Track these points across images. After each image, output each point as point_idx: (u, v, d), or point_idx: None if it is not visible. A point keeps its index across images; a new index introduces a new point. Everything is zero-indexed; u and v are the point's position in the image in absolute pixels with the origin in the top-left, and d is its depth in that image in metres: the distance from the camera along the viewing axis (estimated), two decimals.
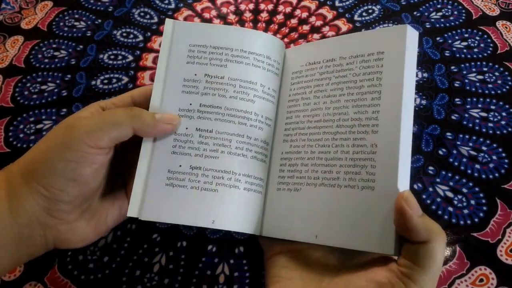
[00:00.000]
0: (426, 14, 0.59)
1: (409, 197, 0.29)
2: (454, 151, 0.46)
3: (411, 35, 0.33)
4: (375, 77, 0.33)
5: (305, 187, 0.34)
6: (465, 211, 0.42)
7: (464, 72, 0.52)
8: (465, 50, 0.54)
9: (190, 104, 0.36)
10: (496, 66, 0.52)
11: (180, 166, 0.35)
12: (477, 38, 0.55)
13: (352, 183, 0.31)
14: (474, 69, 0.52)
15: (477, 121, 0.48)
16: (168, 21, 0.38)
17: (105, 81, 0.53)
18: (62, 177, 0.30)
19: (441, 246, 0.28)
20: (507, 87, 0.50)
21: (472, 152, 0.46)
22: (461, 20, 0.58)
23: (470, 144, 0.46)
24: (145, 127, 0.33)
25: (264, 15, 0.60)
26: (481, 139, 0.47)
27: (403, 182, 0.30)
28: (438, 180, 0.44)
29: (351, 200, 0.31)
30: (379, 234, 0.29)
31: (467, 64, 0.53)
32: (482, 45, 0.55)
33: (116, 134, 0.32)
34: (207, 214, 0.33)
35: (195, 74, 0.36)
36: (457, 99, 0.50)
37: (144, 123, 0.33)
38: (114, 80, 0.53)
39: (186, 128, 0.35)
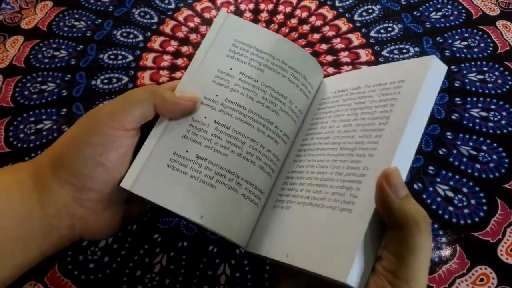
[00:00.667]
0: (426, 14, 0.59)
1: (391, 174, 0.26)
2: (454, 151, 0.46)
3: (437, 66, 0.32)
4: (388, 104, 0.32)
5: (295, 205, 0.32)
6: (466, 210, 0.42)
7: (464, 71, 0.52)
8: (465, 50, 0.54)
9: (217, 95, 0.35)
10: (496, 65, 0.52)
11: (187, 152, 0.33)
12: (477, 38, 0.56)
13: (334, 204, 0.30)
14: (474, 69, 0.52)
15: (477, 120, 0.48)
16: (221, 12, 0.38)
17: (105, 81, 0.53)
18: (90, 162, 0.30)
19: (422, 234, 0.25)
20: (507, 86, 0.50)
21: (472, 152, 0.46)
22: (461, 20, 0.58)
23: (470, 143, 0.46)
24: (166, 103, 0.33)
25: (264, 15, 0.60)
26: (481, 139, 0.47)
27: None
28: (438, 179, 0.44)
29: (328, 221, 0.29)
30: (341, 259, 0.26)
31: (467, 64, 0.53)
32: (482, 45, 0.55)
33: (139, 112, 0.32)
34: (198, 208, 0.32)
35: (231, 69, 0.36)
36: (457, 99, 0.50)
37: (164, 98, 0.33)
38: (114, 80, 0.53)
39: (205, 117, 0.34)
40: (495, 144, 0.46)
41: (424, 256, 0.25)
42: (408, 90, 0.31)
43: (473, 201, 0.43)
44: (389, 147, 0.29)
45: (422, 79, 0.31)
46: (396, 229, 0.26)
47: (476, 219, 0.42)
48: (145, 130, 0.34)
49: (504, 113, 0.48)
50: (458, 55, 0.54)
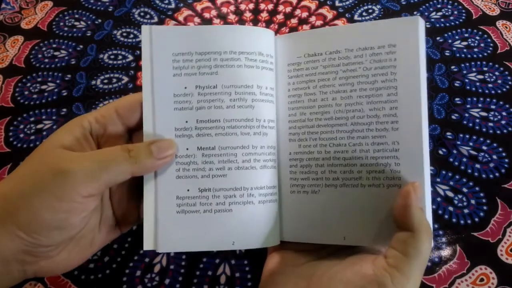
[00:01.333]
0: (426, 14, 0.59)
1: (419, 187, 0.30)
2: (454, 151, 0.46)
3: (422, 26, 0.32)
4: (389, 72, 0.32)
5: (324, 188, 0.33)
6: (466, 210, 0.42)
7: (464, 71, 0.52)
8: (465, 50, 0.54)
9: (186, 121, 0.33)
10: (496, 65, 0.52)
11: (188, 190, 0.32)
12: (477, 38, 0.56)
13: (376, 182, 0.31)
14: (474, 69, 0.52)
15: (477, 120, 0.48)
16: (144, 28, 0.34)
17: (105, 81, 0.53)
18: (49, 227, 0.28)
19: (428, 239, 0.29)
20: (507, 86, 0.50)
21: (472, 152, 0.46)
22: (461, 20, 0.58)
23: (470, 143, 0.46)
24: (145, 170, 0.31)
25: (264, 15, 0.60)
26: (481, 139, 0.47)
27: (427, 177, 0.31)
28: (438, 179, 0.44)
29: (378, 199, 0.31)
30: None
31: (467, 64, 0.53)
32: (482, 44, 0.55)
33: (114, 180, 0.29)
34: (226, 237, 0.32)
35: (185, 87, 0.33)
36: (457, 99, 0.50)
37: (143, 166, 0.30)
38: (114, 80, 0.53)
39: (187, 149, 0.32)
40: (495, 144, 0.46)
41: (424, 259, 0.29)
42: (406, 55, 0.32)
43: (473, 201, 0.43)
44: (413, 120, 0.31)
45: (417, 43, 0.31)
46: (409, 231, 0.29)
47: (476, 219, 0.42)
48: None
49: (504, 113, 0.48)
50: (458, 55, 0.54)
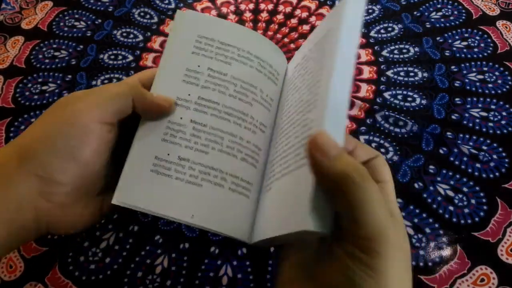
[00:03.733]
0: (426, 14, 0.59)
1: (316, 138, 0.26)
2: (455, 150, 0.46)
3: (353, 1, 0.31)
4: (321, 55, 0.31)
5: (274, 183, 0.33)
6: (466, 210, 0.42)
7: (464, 71, 0.52)
8: (465, 50, 0.54)
9: (189, 94, 0.35)
10: (496, 65, 0.52)
11: (168, 155, 0.33)
12: (477, 38, 0.56)
13: (295, 166, 0.30)
14: (474, 69, 0.52)
15: (477, 120, 0.48)
16: (178, 11, 0.37)
17: (106, 81, 0.53)
18: (63, 155, 0.29)
19: (358, 186, 0.24)
20: (507, 86, 0.51)
21: (473, 151, 0.46)
22: (461, 20, 0.58)
23: (471, 143, 0.46)
24: (144, 99, 0.32)
25: (264, 15, 0.60)
26: (481, 139, 0.47)
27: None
28: (438, 179, 0.44)
29: (293, 184, 0.29)
30: (302, 210, 0.26)
31: (467, 64, 0.53)
32: (482, 45, 0.55)
33: (118, 105, 0.31)
34: (187, 208, 0.32)
35: (199, 66, 0.36)
36: (457, 99, 0.50)
37: (143, 94, 0.32)
38: (115, 80, 0.53)
39: (181, 118, 0.34)
40: (495, 144, 0.46)
41: (371, 206, 0.24)
42: (331, 34, 0.30)
43: (473, 201, 0.43)
44: (323, 94, 0.28)
45: (340, 16, 0.30)
46: (335, 190, 0.25)
47: (477, 219, 0.42)
48: (122, 133, 0.33)
49: (504, 113, 0.48)
50: (458, 55, 0.54)
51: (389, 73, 0.53)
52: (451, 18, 0.58)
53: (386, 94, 0.51)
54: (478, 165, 0.45)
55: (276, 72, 0.38)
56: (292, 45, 0.57)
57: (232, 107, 0.35)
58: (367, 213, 0.24)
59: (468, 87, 0.51)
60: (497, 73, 0.52)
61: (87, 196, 0.32)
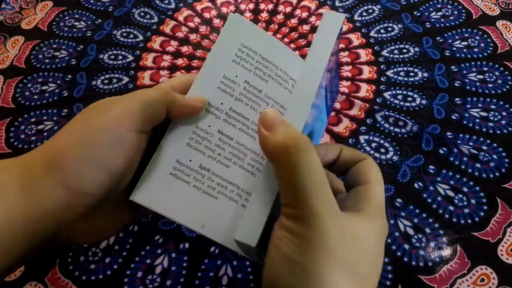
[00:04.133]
0: (426, 14, 0.59)
1: (262, 114, 0.27)
2: (455, 150, 0.46)
3: (330, 17, 0.34)
4: None
5: None
6: (466, 210, 0.42)
7: (464, 71, 0.52)
8: (465, 50, 0.54)
9: (221, 103, 0.34)
10: (496, 65, 0.52)
11: (190, 161, 0.33)
12: (477, 38, 0.56)
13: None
14: (474, 69, 0.52)
15: (477, 120, 0.48)
16: (232, 15, 0.35)
17: (106, 81, 0.53)
18: (94, 165, 0.27)
19: (293, 156, 0.24)
20: (507, 86, 0.50)
21: (473, 151, 0.46)
22: (461, 20, 0.58)
23: (471, 143, 0.46)
24: (178, 105, 0.31)
25: (264, 15, 0.60)
26: (481, 139, 0.47)
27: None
28: (438, 179, 0.44)
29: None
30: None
31: (467, 64, 0.53)
32: (482, 45, 0.55)
33: (153, 112, 0.30)
34: (199, 218, 0.32)
35: (236, 76, 0.34)
36: (457, 99, 0.50)
37: (177, 99, 0.31)
38: (115, 80, 0.53)
39: (209, 126, 0.33)
40: (495, 144, 0.46)
41: (305, 176, 0.24)
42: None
43: (473, 201, 0.43)
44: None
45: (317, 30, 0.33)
46: (274, 161, 0.26)
47: (477, 219, 0.42)
48: (153, 136, 0.33)
49: (504, 113, 0.48)
50: (458, 55, 0.54)
51: (389, 73, 0.53)
52: (451, 18, 0.58)
53: (386, 94, 0.51)
54: (478, 165, 0.45)
55: None
56: (292, 45, 0.57)
57: None
58: (294, 181, 0.24)
59: (468, 87, 0.51)
60: (497, 73, 0.52)
61: (112, 207, 0.32)
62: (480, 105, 0.49)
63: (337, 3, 0.61)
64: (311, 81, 0.30)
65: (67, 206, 0.28)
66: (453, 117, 0.49)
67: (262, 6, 0.62)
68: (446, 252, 0.40)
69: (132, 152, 0.29)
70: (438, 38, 0.56)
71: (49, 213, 0.27)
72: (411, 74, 0.53)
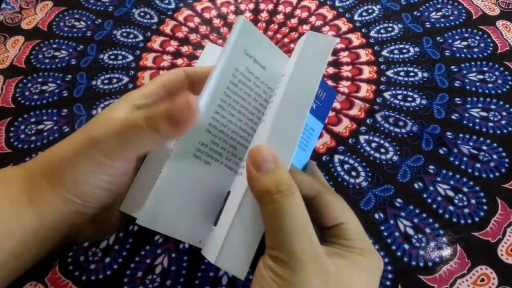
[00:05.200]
0: (426, 14, 0.59)
1: (251, 152, 0.26)
2: (455, 150, 0.46)
3: (314, 38, 0.31)
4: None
5: None
6: (466, 210, 0.42)
7: (464, 71, 0.52)
8: (465, 50, 0.54)
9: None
10: (496, 65, 0.52)
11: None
12: (477, 38, 0.56)
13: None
14: (474, 69, 0.52)
15: (477, 120, 0.48)
16: (240, 17, 0.33)
17: (106, 81, 0.53)
18: (95, 188, 0.29)
19: (274, 201, 0.25)
20: (507, 86, 0.50)
21: (473, 151, 0.46)
22: (461, 20, 0.58)
23: (471, 143, 0.46)
24: (166, 138, 0.30)
25: (264, 15, 0.60)
26: (481, 139, 0.47)
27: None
28: (438, 179, 0.44)
29: None
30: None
31: (467, 64, 0.53)
32: (482, 44, 0.55)
33: (138, 149, 0.30)
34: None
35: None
36: (457, 99, 0.50)
37: (164, 135, 0.29)
38: (115, 80, 0.53)
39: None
40: (495, 144, 0.46)
41: (288, 222, 0.24)
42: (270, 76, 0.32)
43: (473, 201, 0.43)
44: (274, 110, 0.29)
45: (298, 53, 0.31)
46: (259, 202, 0.26)
47: (477, 219, 0.42)
48: None
49: (504, 113, 0.48)
50: (458, 55, 0.54)
51: (389, 73, 0.53)
52: (451, 18, 0.58)
53: (386, 94, 0.51)
54: (478, 165, 0.45)
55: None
56: (292, 45, 0.57)
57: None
58: (278, 226, 0.24)
59: (468, 87, 0.51)
60: (497, 73, 0.52)
61: (115, 207, 0.33)
62: (480, 105, 0.49)
63: (337, 3, 0.61)
64: (298, 116, 0.28)
65: (76, 213, 0.30)
66: (453, 117, 0.49)
67: (262, 6, 0.62)
68: (446, 252, 0.40)
69: (130, 171, 0.32)
70: (438, 38, 0.56)
71: (60, 220, 0.29)
72: (411, 74, 0.53)
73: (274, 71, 0.34)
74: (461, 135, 0.47)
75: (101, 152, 0.29)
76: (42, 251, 0.30)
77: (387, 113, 0.49)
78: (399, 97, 0.51)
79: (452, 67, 0.53)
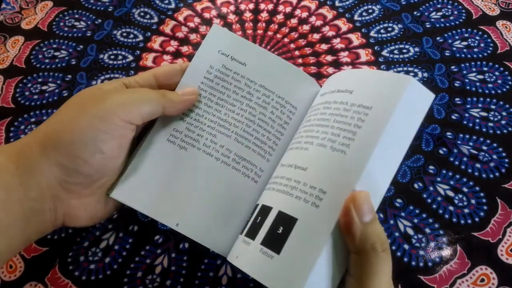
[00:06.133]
0: (426, 14, 0.59)
1: (358, 197, 0.26)
2: (455, 150, 0.46)
3: (415, 90, 0.30)
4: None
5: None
6: (466, 210, 0.42)
7: (464, 71, 0.52)
8: (465, 50, 0.54)
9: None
10: (496, 65, 0.52)
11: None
12: (477, 38, 0.56)
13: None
14: (474, 69, 0.52)
15: (477, 120, 0.48)
16: (214, 26, 0.39)
17: (106, 81, 0.53)
18: (90, 147, 0.30)
19: (379, 257, 0.26)
20: (507, 86, 0.50)
21: (473, 151, 0.46)
22: (461, 20, 0.58)
23: (471, 143, 0.46)
24: (173, 104, 0.34)
25: (264, 15, 0.60)
26: (481, 139, 0.47)
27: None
28: (438, 179, 0.44)
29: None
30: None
31: (467, 64, 0.53)
32: (482, 45, 0.55)
33: (148, 110, 0.33)
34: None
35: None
36: (457, 99, 0.50)
37: (172, 101, 0.34)
38: None
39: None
40: (495, 144, 0.46)
41: (382, 279, 0.26)
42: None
43: (473, 201, 0.43)
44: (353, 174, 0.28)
45: (393, 106, 0.29)
46: (357, 253, 0.26)
47: (476, 219, 0.42)
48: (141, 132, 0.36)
49: (504, 113, 0.48)
50: (458, 55, 0.54)
51: None
52: (451, 18, 0.58)
53: None
54: (478, 165, 0.45)
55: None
56: (292, 45, 0.57)
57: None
58: (376, 284, 0.25)
59: (468, 87, 0.51)
60: (497, 73, 0.52)
61: (103, 190, 0.34)
62: (480, 105, 0.49)
63: (337, 3, 0.61)
64: (392, 162, 0.29)
65: (61, 184, 0.30)
66: (453, 117, 0.49)
67: (262, 6, 0.62)
68: (446, 252, 0.40)
69: (124, 140, 0.33)
70: (438, 38, 0.56)
71: (44, 191, 0.29)
72: (411, 74, 0.53)
73: (255, 65, 0.38)
74: (461, 135, 0.47)
75: (111, 103, 0.31)
76: (30, 226, 0.29)
77: None
78: None
79: (452, 67, 0.53)
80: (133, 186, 0.34)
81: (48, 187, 0.30)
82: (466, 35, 0.56)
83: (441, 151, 0.46)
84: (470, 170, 0.45)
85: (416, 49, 0.55)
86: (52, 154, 0.29)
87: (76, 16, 0.60)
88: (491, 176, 0.44)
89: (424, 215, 0.42)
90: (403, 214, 0.42)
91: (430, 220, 0.42)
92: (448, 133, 0.47)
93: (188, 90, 0.36)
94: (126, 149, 0.34)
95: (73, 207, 0.32)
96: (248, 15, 0.60)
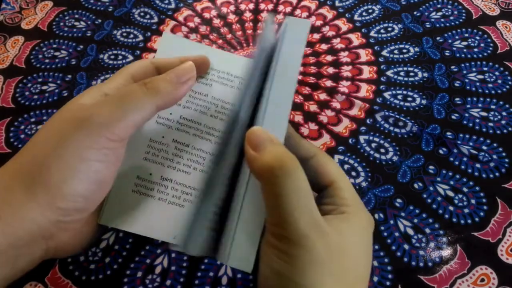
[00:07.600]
0: (426, 14, 0.59)
1: (250, 132, 0.27)
2: (455, 150, 0.46)
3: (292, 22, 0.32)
4: None
5: None
6: (466, 210, 0.42)
7: (464, 71, 0.52)
8: (465, 50, 0.54)
9: (170, 113, 0.35)
10: (496, 65, 0.52)
11: (151, 174, 0.34)
12: (477, 38, 0.56)
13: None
14: (474, 69, 0.52)
15: (477, 120, 0.48)
16: (165, 34, 0.38)
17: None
18: (85, 182, 0.26)
19: (284, 178, 0.24)
20: (507, 86, 0.50)
21: (473, 151, 0.46)
22: (461, 20, 0.58)
23: (471, 143, 0.46)
24: (167, 99, 0.30)
25: (264, 15, 0.60)
26: (481, 139, 0.47)
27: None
28: (438, 179, 0.44)
29: None
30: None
31: (467, 64, 0.53)
32: (482, 45, 0.55)
33: (139, 118, 0.28)
34: (170, 229, 0.33)
35: None
36: (457, 99, 0.50)
37: (165, 95, 0.29)
38: None
39: (163, 137, 0.34)
40: (495, 144, 0.46)
41: (292, 199, 0.24)
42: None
43: (473, 201, 0.43)
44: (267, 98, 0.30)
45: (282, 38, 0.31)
46: (261, 182, 0.26)
47: (476, 219, 0.42)
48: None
49: (504, 113, 0.48)
50: (458, 55, 0.54)
51: (389, 73, 0.53)
52: (451, 18, 0.58)
53: (386, 94, 0.51)
54: (478, 165, 0.45)
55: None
56: None
57: (213, 127, 0.35)
58: (281, 203, 0.24)
59: (468, 87, 0.51)
60: (497, 73, 0.52)
61: (94, 216, 0.31)
62: (480, 105, 0.49)
63: (337, 3, 0.61)
64: (286, 93, 0.30)
65: (55, 225, 0.26)
66: (453, 117, 0.49)
67: (262, 6, 0.62)
68: (446, 252, 0.40)
69: (120, 157, 0.29)
70: (438, 38, 0.56)
71: (35, 237, 0.25)
72: (411, 74, 0.53)
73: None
74: (461, 135, 0.47)
75: (94, 126, 0.26)
76: (15, 270, 0.26)
77: (387, 113, 0.49)
78: (399, 97, 0.51)
79: (452, 67, 0.53)
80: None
81: (40, 233, 0.25)
82: (466, 35, 0.56)
83: (441, 151, 0.46)
84: (470, 170, 0.45)
85: (416, 49, 0.55)
86: (43, 199, 0.25)
87: (76, 16, 0.60)
88: (491, 176, 0.44)
89: (424, 215, 0.42)
90: (403, 214, 0.42)
91: (430, 220, 0.42)
92: (448, 133, 0.47)
93: (182, 70, 0.31)
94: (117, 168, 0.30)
95: (65, 242, 0.28)
96: (248, 15, 0.60)
